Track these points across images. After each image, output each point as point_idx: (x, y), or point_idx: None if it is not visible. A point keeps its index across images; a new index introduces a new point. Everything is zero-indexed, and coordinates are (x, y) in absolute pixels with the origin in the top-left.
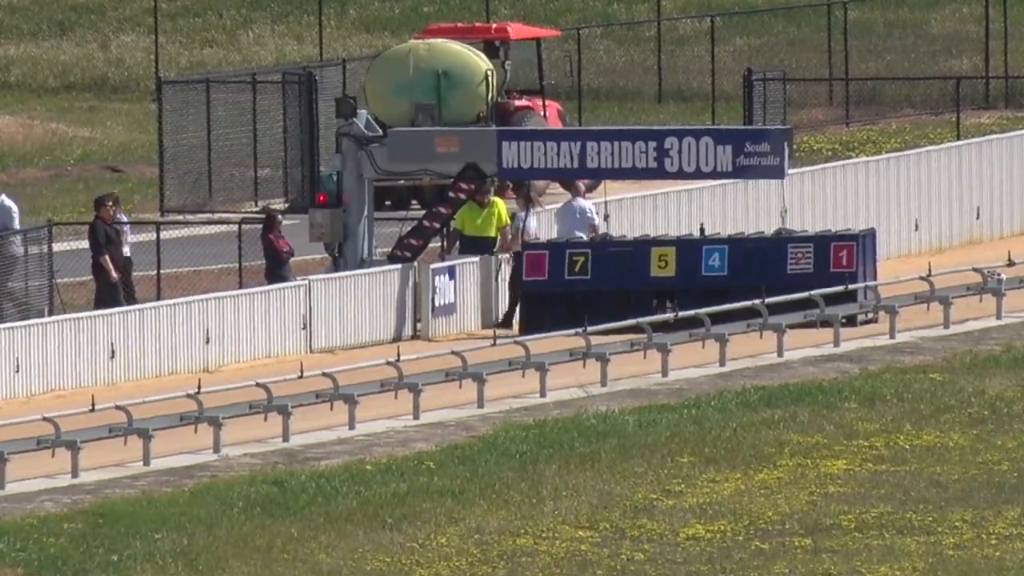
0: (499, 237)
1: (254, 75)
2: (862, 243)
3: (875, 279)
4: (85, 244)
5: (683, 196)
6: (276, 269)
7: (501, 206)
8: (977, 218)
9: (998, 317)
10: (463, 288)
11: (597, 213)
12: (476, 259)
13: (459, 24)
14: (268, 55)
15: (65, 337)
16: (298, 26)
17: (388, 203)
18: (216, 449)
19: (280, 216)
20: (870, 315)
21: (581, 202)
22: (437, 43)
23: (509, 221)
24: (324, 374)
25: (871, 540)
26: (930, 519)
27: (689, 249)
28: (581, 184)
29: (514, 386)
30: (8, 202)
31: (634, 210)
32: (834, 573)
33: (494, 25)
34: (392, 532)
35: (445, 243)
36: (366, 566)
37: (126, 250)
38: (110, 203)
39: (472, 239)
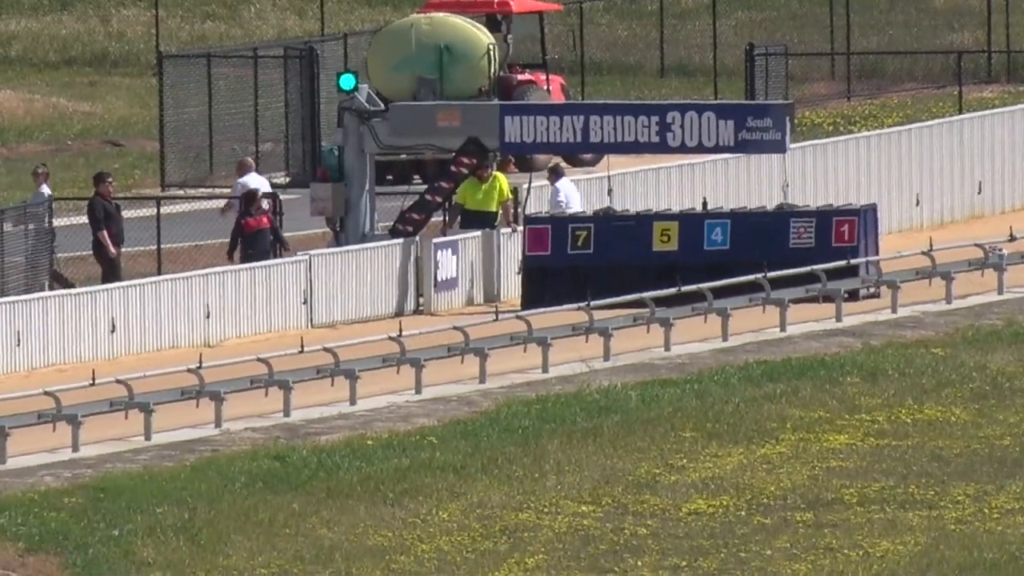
0: (501, 211)
1: (255, 49)
2: (864, 218)
3: (877, 254)
4: (86, 219)
5: (685, 170)
6: (246, 247)
7: (503, 180)
8: (979, 193)
9: (999, 292)
10: (465, 263)
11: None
12: (478, 234)
13: None
14: (269, 29)
15: (66, 311)
16: (299, 0)
17: (389, 177)
18: (217, 424)
19: (259, 192)
20: (872, 290)
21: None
22: (439, 17)
23: (511, 195)
24: (325, 349)
25: (873, 514)
26: (932, 493)
27: (691, 223)
28: (247, 158)
29: (516, 361)
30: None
31: (636, 184)
32: (836, 547)
33: None
34: (394, 507)
35: (447, 218)
36: (368, 541)
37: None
38: (109, 179)
39: (473, 213)
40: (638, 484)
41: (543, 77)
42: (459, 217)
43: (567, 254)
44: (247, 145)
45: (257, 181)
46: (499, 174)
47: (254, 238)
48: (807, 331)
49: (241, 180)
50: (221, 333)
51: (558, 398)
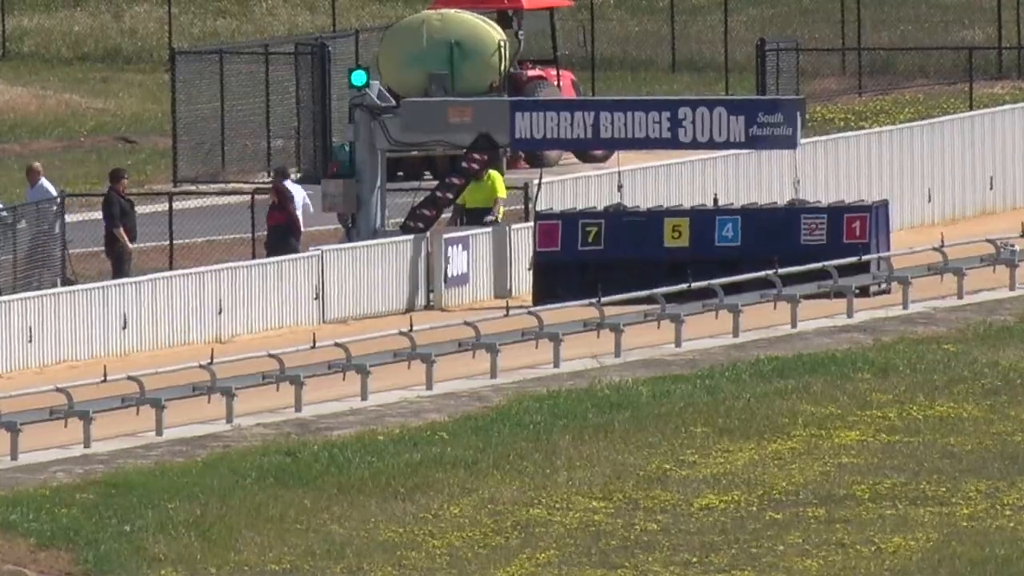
0: (493, 207)
1: (267, 46)
2: (875, 214)
3: (888, 250)
4: (97, 215)
5: (696, 166)
6: (278, 241)
7: (496, 179)
8: (990, 188)
9: (1011, 288)
10: (476, 258)
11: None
12: (489, 230)
13: None
14: (281, 25)
15: (77, 307)
16: None
17: (400, 174)
18: (229, 419)
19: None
20: (883, 286)
21: (45, 184)
22: (450, 13)
23: (503, 194)
24: (337, 344)
25: (885, 510)
26: (943, 490)
27: (702, 219)
28: (36, 164)
29: (527, 356)
30: (47, 185)
31: (647, 180)
32: (848, 543)
33: None
34: (405, 502)
35: (456, 216)
36: (379, 536)
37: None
38: (125, 177)
39: (470, 211)
40: (649, 479)
41: (554, 73)
42: (462, 215)
43: (578, 250)
44: (259, 141)
45: (52, 188)
46: (494, 173)
47: (272, 233)
48: (818, 327)
49: (42, 184)
50: (233, 329)
51: (569, 394)
